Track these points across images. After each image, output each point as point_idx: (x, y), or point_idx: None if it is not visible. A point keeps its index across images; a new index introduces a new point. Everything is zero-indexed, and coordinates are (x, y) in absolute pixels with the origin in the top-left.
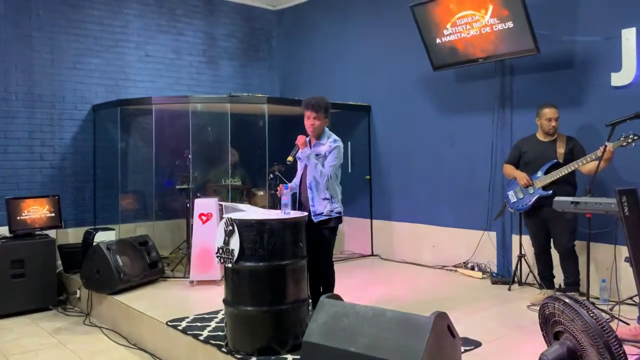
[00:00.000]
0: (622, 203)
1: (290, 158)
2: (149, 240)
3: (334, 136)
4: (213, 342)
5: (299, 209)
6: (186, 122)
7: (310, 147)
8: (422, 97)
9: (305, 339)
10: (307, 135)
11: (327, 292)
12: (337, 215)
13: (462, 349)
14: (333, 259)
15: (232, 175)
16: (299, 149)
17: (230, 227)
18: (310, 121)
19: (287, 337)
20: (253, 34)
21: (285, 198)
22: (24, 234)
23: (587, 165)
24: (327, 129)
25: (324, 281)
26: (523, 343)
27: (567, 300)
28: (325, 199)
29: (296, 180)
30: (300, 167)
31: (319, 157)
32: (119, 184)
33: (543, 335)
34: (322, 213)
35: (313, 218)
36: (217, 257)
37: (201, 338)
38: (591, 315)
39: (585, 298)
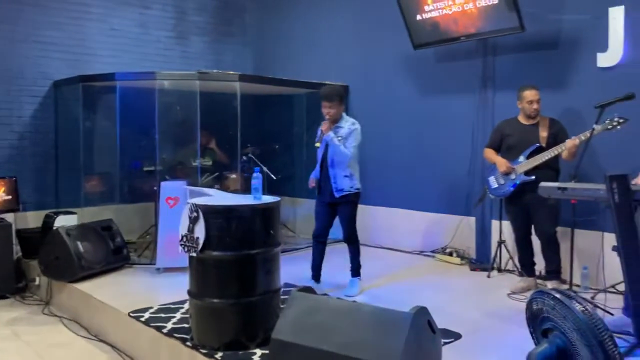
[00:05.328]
0: (613, 189)
1: (317, 144)
2: (112, 225)
3: (352, 119)
4: (177, 335)
5: (319, 193)
6: (153, 100)
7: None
8: (401, 77)
9: (274, 335)
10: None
11: (355, 260)
12: (357, 190)
13: (442, 341)
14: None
15: (202, 155)
16: (323, 134)
17: (195, 214)
18: (326, 110)
19: (256, 330)
20: (226, 8)
21: (256, 182)
22: None
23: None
24: (344, 114)
25: (353, 250)
26: (504, 334)
27: (558, 295)
28: (346, 176)
29: (317, 166)
30: (319, 153)
31: (341, 139)
32: (82, 165)
33: (530, 332)
34: (344, 189)
35: (335, 194)
36: (181, 245)
37: (165, 331)
38: (585, 312)
39: (567, 287)
